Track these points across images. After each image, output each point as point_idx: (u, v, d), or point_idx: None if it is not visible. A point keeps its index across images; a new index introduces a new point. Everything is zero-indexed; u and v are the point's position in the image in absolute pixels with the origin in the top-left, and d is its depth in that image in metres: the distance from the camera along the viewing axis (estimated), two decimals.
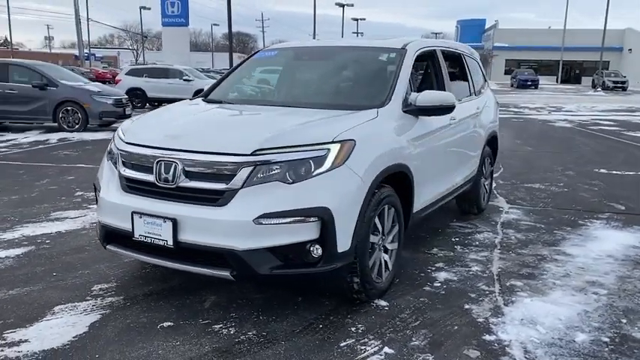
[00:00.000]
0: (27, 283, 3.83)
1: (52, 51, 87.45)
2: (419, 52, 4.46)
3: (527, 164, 9.37)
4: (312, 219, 3.03)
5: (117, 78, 22.08)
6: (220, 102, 4.31)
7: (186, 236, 3.09)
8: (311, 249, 3.08)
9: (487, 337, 3.15)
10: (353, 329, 3.22)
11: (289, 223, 3.02)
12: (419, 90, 4.38)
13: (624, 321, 3.41)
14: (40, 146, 10.80)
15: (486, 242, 5.00)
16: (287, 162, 3.08)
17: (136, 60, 74.62)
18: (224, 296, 3.63)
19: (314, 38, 48.99)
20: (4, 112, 13.05)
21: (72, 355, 2.87)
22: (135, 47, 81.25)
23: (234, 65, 4.95)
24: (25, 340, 3.02)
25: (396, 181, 3.77)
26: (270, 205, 3.01)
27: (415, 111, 3.98)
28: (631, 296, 3.81)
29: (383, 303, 3.59)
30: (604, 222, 5.75)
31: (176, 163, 3.17)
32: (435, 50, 4.81)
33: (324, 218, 3.04)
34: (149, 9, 55.09)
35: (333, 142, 3.19)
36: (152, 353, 2.91)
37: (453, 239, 5.06)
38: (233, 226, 2.99)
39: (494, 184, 7.58)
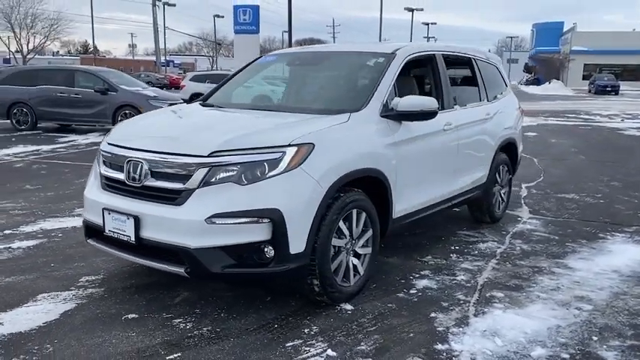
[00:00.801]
0: (25, 271, 4.13)
1: (135, 58, 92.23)
2: (410, 57, 4.42)
3: (571, 173, 8.95)
4: (263, 220, 3.10)
5: (182, 84, 23.04)
6: (212, 105, 4.46)
7: (147, 233, 3.24)
8: (263, 249, 3.15)
9: (438, 347, 3.10)
10: (306, 331, 3.25)
11: (241, 223, 3.10)
12: (412, 94, 4.34)
13: (595, 338, 3.24)
14: (95, 147, 11.45)
15: (486, 252, 4.86)
16: (242, 164, 3.17)
17: (212, 66, 77.18)
18: (197, 293, 3.76)
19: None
20: (70, 115, 13.96)
21: (34, 339, 3.09)
22: (211, 54, 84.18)
23: (238, 69, 5.09)
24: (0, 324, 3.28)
25: (369, 186, 3.77)
26: (223, 205, 3.11)
27: (396, 116, 3.96)
28: (616, 313, 3.60)
29: (348, 307, 3.59)
30: (627, 235, 5.43)
31: (142, 162, 3.34)
32: (434, 55, 4.74)
33: (275, 220, 3.10)
34: (222, 17, 57.10)
35: (289, 146, 3.24)
36: (106, 342, 3.08)
37: (453, 247, 4.96)
38: (187, 224, 3.11)
39: (524, 193, 7.33)
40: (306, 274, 3.36)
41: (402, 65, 4.30)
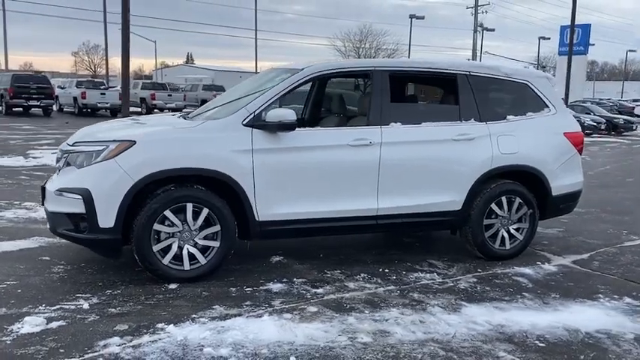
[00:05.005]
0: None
1: None
2: (320, 73, 4.64)
3: None
4: (80, 196, 4.02)
5: None
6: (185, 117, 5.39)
7: (45, 200, 4.50)
8: (83, 219, 4.06)
9: (158, 325, 3.45)
10: (107, 292, 3.99)
11: (69, 197, 4.08)
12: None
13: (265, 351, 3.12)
14: None
15: (407, 280, 4.53)
16: (83, 152, 4.16)
17: None
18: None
19: None
20: None
21: None
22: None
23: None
24: None
25: (223, 187, 4.23)
26: (63, 183, 4.16)
27: (263, 126, 4.28)
28: (360, 350, 3.26)
29: (172, 286, 4.14)
30: (631, 304, 4.20)
31: (58, 151, 4.63)
32: (370, 71, 4.69)
33: (85, 197, 3.98)
34: (549, 39, 54.18)
35: (113, 141, 4.08)
36: (3, 269, 4.45)
37: (384, 270, 4.74)
38: (49, 194, 4.27)
39: (634, 242, 5.97)
40: (131, 248, 4.12)
41: (302, 81, 4.54)
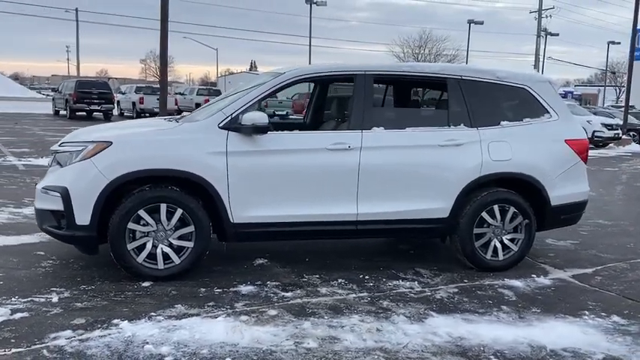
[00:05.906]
0: None
1: None
2: (300, 77, 4.63)
3: None
4: (58, 194, 4.19)
5: None
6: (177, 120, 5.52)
7: None
8: (62, 216, 4.23)
9: (114, 321, 3.54)
10: (81, 287, 4.13)
11: (52, 195, 4.26)
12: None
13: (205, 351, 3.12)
14: None
15: (383, 287, 4.45)
16: (67, 152, 4.34)
17: (617, 98, 70.22)
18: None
19: None
20: None
21: None
22: (617, 84, 76.59)
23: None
24: None
25: (198, 188, 4.30)
26: (48, 181, 4.35)
27: (238, 128, 4.32)
28: (301, 355, 3.19)
29: (145, 284, 4.24)
30: (617, 323, 3.95)
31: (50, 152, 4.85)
32: (355, 75, 4.64)
33: (63, 195, 4.14)
34: (619, 43, 51.46)
35: (91, 142, 4.24)
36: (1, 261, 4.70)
37: (363, 276, 4.67)
38: (36, 192, 4.47)
39: None
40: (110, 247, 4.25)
41: (281, 85, 4.56)
